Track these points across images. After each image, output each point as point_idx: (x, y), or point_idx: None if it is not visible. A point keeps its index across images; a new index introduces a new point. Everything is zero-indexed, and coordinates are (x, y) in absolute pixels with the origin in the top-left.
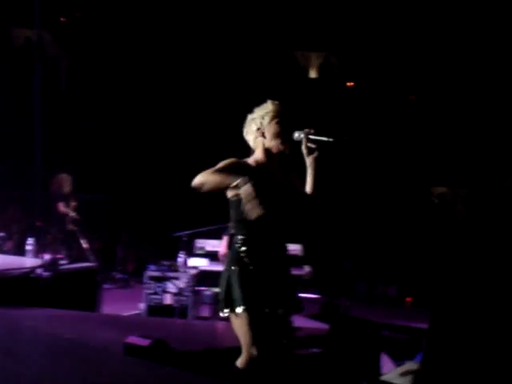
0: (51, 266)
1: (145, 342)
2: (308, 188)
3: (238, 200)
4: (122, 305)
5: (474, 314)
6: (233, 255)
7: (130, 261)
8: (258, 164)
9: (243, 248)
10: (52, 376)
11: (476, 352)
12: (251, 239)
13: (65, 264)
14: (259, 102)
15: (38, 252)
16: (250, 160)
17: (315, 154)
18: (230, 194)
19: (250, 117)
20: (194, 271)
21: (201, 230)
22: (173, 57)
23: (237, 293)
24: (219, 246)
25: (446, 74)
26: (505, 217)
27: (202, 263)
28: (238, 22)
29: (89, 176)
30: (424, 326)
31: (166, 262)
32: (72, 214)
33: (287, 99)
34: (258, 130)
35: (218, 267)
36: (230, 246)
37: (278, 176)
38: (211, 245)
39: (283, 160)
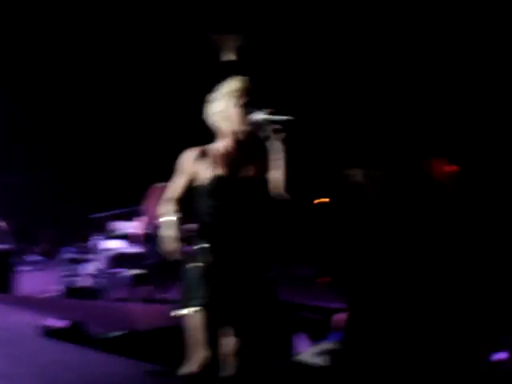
0: None
1: (62, 324)
2: (278, 175)
3: (204, 190)
4: (38, 287)
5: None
6: (196, 250)
7: (45, 243)
8: (221, 151)
9: (206, 244)
10: None
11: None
12: (215, 234)
13: None
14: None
15: None
16: (213, 146)
17: (283, 135)
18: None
19: (213, 95)
20: (110, 253)
21: (115, 212)
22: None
23: (193, 292)
24: (134, 227)
25: (367, 55)
26: (417, 200)
27: (118, 245)
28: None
29: (6, 157)
30: (338, 305)
31: (82, 244)
32: None
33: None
34: (221, 112)
35: (134, 249)
36: (193, 240)
37: (244, 164)
38: (126, 226)
39: (249, 145)
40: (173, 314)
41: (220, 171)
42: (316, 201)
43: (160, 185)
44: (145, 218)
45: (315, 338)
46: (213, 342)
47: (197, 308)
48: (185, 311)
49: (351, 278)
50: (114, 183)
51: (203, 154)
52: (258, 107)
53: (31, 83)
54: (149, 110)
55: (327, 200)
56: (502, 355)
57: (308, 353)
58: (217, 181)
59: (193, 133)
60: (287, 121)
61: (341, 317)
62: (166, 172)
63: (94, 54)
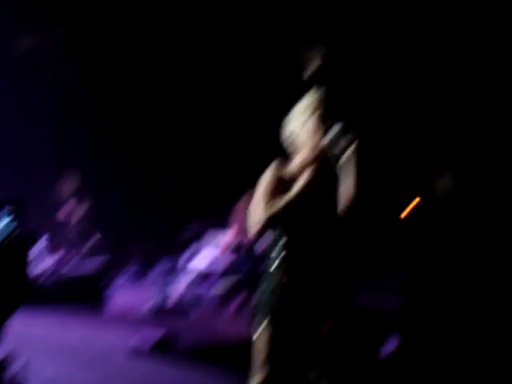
0: (57, 269)
1: (151, 340)
2: (348, 188)
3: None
4: (131, 302)
5: None
6: (273, 260)
7: (140, 256)
8: (300, 166)
9: (284, 252)
10: (61, 375)
11: None
12: (294, 244)
13: (73, 266)
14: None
15: (52, 250)
16: (294, 162)
17: (354, 147)
18: None
19: (293, 111)
20: (202, 267)
21: (209, 222)
22: (174, 65)
23: (266, 302)
24: (227, 237)
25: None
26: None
27: (204, 261)
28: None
29: (101, 173)
30: None
31: (176, 256)
32: (81, 213)
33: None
34: (299, 126)
35: (226, 260)
36: (271, 248)
37: (321, 182)
38: (220, 236)
39: (325, 161)
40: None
41: (299, 188)
42: (404, 213)
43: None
44: (236, 228)
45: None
46: (278, 357)
47: (264, 323)
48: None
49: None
50: (207, 194)
51: (285, 170)
52: (336, 119)
53: (126, 105)
54: (237, 121)
55: (414, 204)
56: None
57: None
58: (297, 197)
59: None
60: (359, 133)
61: None
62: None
63: (187, 69)
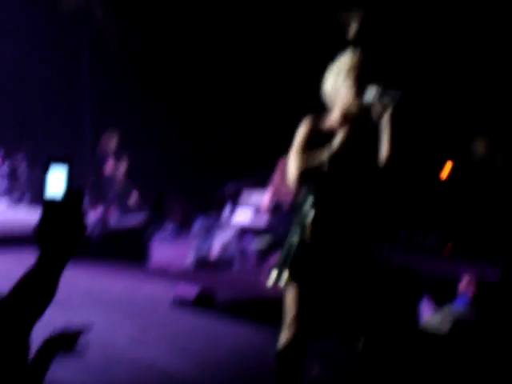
0: (102, 222)
1: (192, 293)
2: (384, 152)
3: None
4: (172, 257)
5: None
6: (300, 217)
7: (178, 213)
8: (334, 124)
9: (311, 213)
10: (103, 326)
11: None
12: (322, 204)
13: (116, 221)
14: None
15: (93, 205)
16: (329, 119)
17: (390, 110)
18: None
19: (328, 69)
20: (240, 225)
21: (246, 182)
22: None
23: (292, 260)
24: (264, 197)
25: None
26: None
27: (247, 215)
28: None
29: (137, 135)
30: (462, 271)
31: (213, 214)
32: (121, 173)
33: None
34: (333, 87)
35: (263, 220)
36: (301, 205)
37: (355, 143)
38: (257, 197)
39: (365, 124)
40: (269, 282)
41: (332, 147)
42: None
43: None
44: (272, 190)
45: (440, 302)
46: (308, 316)
47: (290, 280)
48: (279, 280)
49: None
50: (246, 153)
51: (319, 126)
52: (372, 81)
53: (161, 72)
54: (273, 81)
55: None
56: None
57: (434, 318)
58: (331, 159)
59: (314, 103)
60: (396, 95)
61: (468, 281)
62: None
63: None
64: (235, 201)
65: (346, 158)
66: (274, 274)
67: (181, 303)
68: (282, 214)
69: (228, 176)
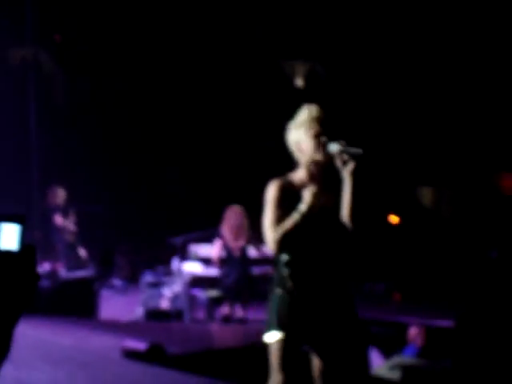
0: (51, 276)
1: (142, 346)
2: (345, 209)
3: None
4: (121, 311)
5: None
6: (277, 277)
7: (126, 267)
8: (302, 182)
9: (287, 270)
10: (52, 381)
11: None
12: (297, 262)
13: (64, 273)
14: (244, 111)
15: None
16: (295, 177)
17: (351, 167)
18: None
19: (289, 125)
20: (188, 275)
21: (194, 235)
22: (167, 65)
23: (274, 317)
24: (212, 249)
25: (432, 76)
26: (490, 214)
27: (195, 267)
28: (227, 31)
29: (85, 188)
30: (410, 320)
31: (161, 268)
32: (70, 226)
33: (274, 108)
34: (297, 143)
35: (211, 271)
36: (276, 266)
37: (322, 197)
38: (204, 249)
39: (329, 176)
40: (264, 338)
41: (304, 203)
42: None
43: (235, 207)
44: (221, 240)
45: (390, 353)
46: (291, 367)
47: (276, 334)
48: (267, 337)
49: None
50: (192, 206)
51: (289, 185)
52: (332, 137)
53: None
54: (221, 134)
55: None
56: None
57: (383, 367)
58: (303, 213)
59: (263, 157)
60: (358, 154)
61: (416, 330)
62: (241, 194)
63: (170, 75)
64: (183, 253)
65: (318, 212)
66: (267, 329)
67: (131, 356)
68: (232, 264)
69: (176, 229)
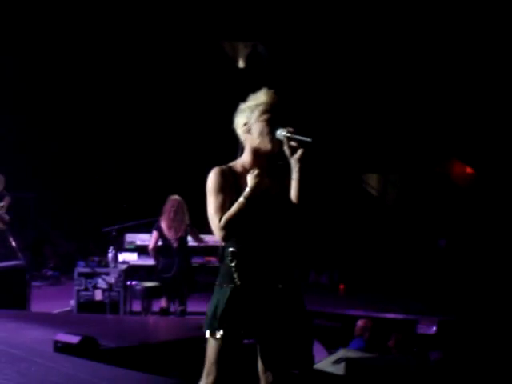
0: None
1: (74, 339)
2: (293, 195)
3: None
4: (53, 302)
5: None
6: (223, 270)
7: (59, 257)
8: (246, 167)
9: (233, 263)
10: None
11: None
12: (243, 252)
13: None
14: (187, 94)
15: None
16: (237, 164)
17: (299, 154)
18: None
19: (240, 106)
20: (124, 266)
21: (130, 224)
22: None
23: (216, 312)
24: (149, 240)
25: (374, 61)
26: (433, 201)
27: (131, 258)
28: (165, 12)
29: (15, 174)
30: (355, 313)
31: (95, 258)
32: (2, 213)
33: (215, 90)
34: (245, 124)
35: (148, 261)
36: (221, 259)
37: (267, 182)
38: (141, 239)
39: (274, 162)
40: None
41: (248, 187)
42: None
43: (175, 197)
44: (157, 231)
45: (334, 346)
46: (227, 364)
47: (217, 330)
48: (206, 333)
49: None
50: (130, 196)
51: (231, 172)
52: (282, 123)
53: (37, 99)
54: (160, 121)
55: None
56: None
57: (327, 361)
58: (249, 200)
59: (205, 144)
60: (306, 142)
61: (364, 323)
62: (181, 184)
63: (106, 68)
64: (119, 243)
65: (263, 196)
66: (205, 324)
67: (63, 349)
68: (170, 256)
69: (111, 219)
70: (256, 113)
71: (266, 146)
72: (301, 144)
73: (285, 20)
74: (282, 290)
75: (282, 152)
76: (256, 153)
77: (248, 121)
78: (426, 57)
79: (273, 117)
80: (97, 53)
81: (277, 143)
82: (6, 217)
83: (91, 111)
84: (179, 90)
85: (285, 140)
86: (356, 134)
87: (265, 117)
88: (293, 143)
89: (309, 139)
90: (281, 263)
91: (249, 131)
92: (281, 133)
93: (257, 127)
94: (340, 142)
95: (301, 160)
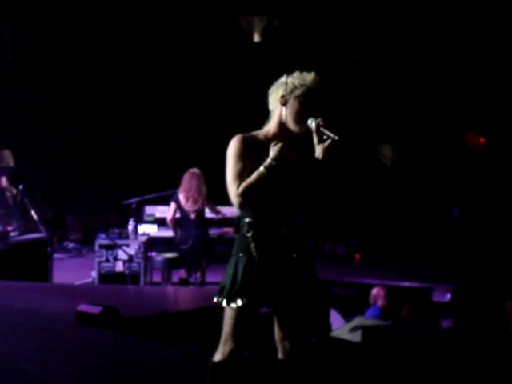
0: (2, 238)
1: (96, 310)
2: (312, 176)
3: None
4: (75, 274)
5: None
6: (239, 240)
7: (80, 230)
8: (269, 137)
9: (250, 233)
10: (5, 345)
11: None
12: (259, 223)
13: (15, 236)
14: (200, 71)
15: None
16: (261, 133)
17: (326, 144)
18: None
19: (283, 79)
20: (144, 238)
21: (149, 196)
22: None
23: (233, 283)
24: (167, 212)
25: (387, 34)
26: (447, 171)
27: (151, 230)
28: None
29: (36, 148)
30: (371, 281)
31: (116, 230)
32: (7, 186)
33: (231, 64)
34: (283, 97)
35: (168, 233)
36: (238, 229)
37: (290, 154)
38: (160, 211)
39: (297, 142)
40: (214, 300)
41: (270, 157)
42: None
43: (193, 170)
44: (176, 203)
45: (351, 314)
46: (243, 334)
47: (234, 301)
48: (222, 302)
49: None
50: (149, 168)
51: (254, 141)
52: (317, 113)
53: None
54: (178, 94)
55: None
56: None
57: (343, 328)
58: (270, 170)
59: (224, 117)
60: (333, 139)
61: (379, 291)
62: (200, 157)
63: (123, 41)
64: (139, 215)
65: (283, 169)
66: (220, 293)
67: (85, 320)
68: (188, 228)
69: (130, 191)
70: (298, 91)
71: (295, 126)
72: (328, 138)
73: None
74: (296, 260)
75: (308, 132)
76: (283, 126)
77: (287, 95)
78: (439, 30)
79: (312, 103)
80: (112, 28)
81: (304, 127)
82: (13, 190)
83: (110, 86)
84: (197, 63)
85: (315, 129)
86: (370, 105)
87: (305, 99)
88: (321, 134)
89: (336, 137)
90: (296, 234)
91: (284, 104)
92: (312, 122)
93: (293, 104)
94: (355, 114)
95: (327, 150)
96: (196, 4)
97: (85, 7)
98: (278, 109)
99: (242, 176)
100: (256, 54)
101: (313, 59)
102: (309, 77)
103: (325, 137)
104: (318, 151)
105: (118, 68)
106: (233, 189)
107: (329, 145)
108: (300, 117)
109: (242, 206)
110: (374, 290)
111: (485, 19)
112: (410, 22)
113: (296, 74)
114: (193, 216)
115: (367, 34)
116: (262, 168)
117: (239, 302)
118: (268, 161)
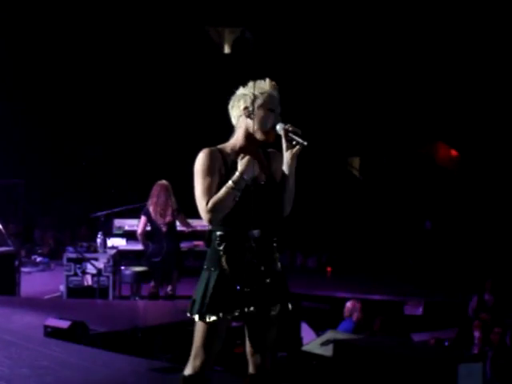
0: None
1: (64, 324)
2: (283, 188)
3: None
4: (43, 288)
5: None
6: (211, 254)
7: (48, 243)
8: (236, 150)
9: (221, 246)
10: None
11: None
12: (230, 236)
13: None
14: (172, 80)
15: None
16: (227, 146)
17: (296, 150)
18: None
19: (240, 91)
20: (112, 251)
21: (118, 209)
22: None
23: (204, 297)
24: (137, 225)
25: (357, 47)
26: (419, 183)
27: (120, 243)
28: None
29: (3, 161)
30: (343, 295)
31: (84, 244)
32: None
33: (201, 75)
34: (246, 108)
35: (137, 246)
36: (209, 243)
37: (257, 166)
38: (129, 224)
39: (265, 150)
40: (188, 314)
41: (238, 171)
42: None
43: (161, 182)
44: (146, 215)
45: (322, 328)
46: (214, 348)
47: (205, 315)
48: (194, 316)
49: None
50: (118, 181)
51: (221, 154)
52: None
53: (25, 84)
54: (146, 107)
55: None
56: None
57: (314, 342)
58: (238, 184)
59: (193, 129)
60: (302, 144)
61: (353, 304)
62: (169, 169)
63: (91, 53)
64: (108, 228)
65: (252, 182)
66: (191, 308)
67: (53, 334)
68: (158, 241)
69: (99, 204)
70: (259, 100)
71: (264, 134)
72: (297, 144)
73: (271, 5)
74: (264, 273)
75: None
76: (250, 138)
77: (250, 106)
78: (410, 40)
79: (276, 108)
80: (83, 40)
81: (273, 134)
82: None
83: (78, 98)
84: (166, 75)
85: (283, 134)
86: (340, 117)
87: (269, 106)
88: (290, 139)
89: (305, 142)
90: (265, 247)
91: (249, 116)
92: (281, 127)
93: (259, 113)
94: (325, 126)
95: (297, 156)
96: (167, 15)
97: (53, 17)
98: (243, 121)
99: (210, 191)
100: (226, 66)
101: (283, 70)
102: (265, 84)
103: (294, 142)
104: (287, 157)
105: (87, 80)
106: (202, 204)
107: (298, 150)
108: (267, 125)
109: (212, 221)
110: (349, 303)
111: (457, 30)
112: (379, 35)
113: (251, 83)
114: (164, 229)
115: (339, 46)
116: (230, 182)
117: (211, 317)
118: (236, 175)
